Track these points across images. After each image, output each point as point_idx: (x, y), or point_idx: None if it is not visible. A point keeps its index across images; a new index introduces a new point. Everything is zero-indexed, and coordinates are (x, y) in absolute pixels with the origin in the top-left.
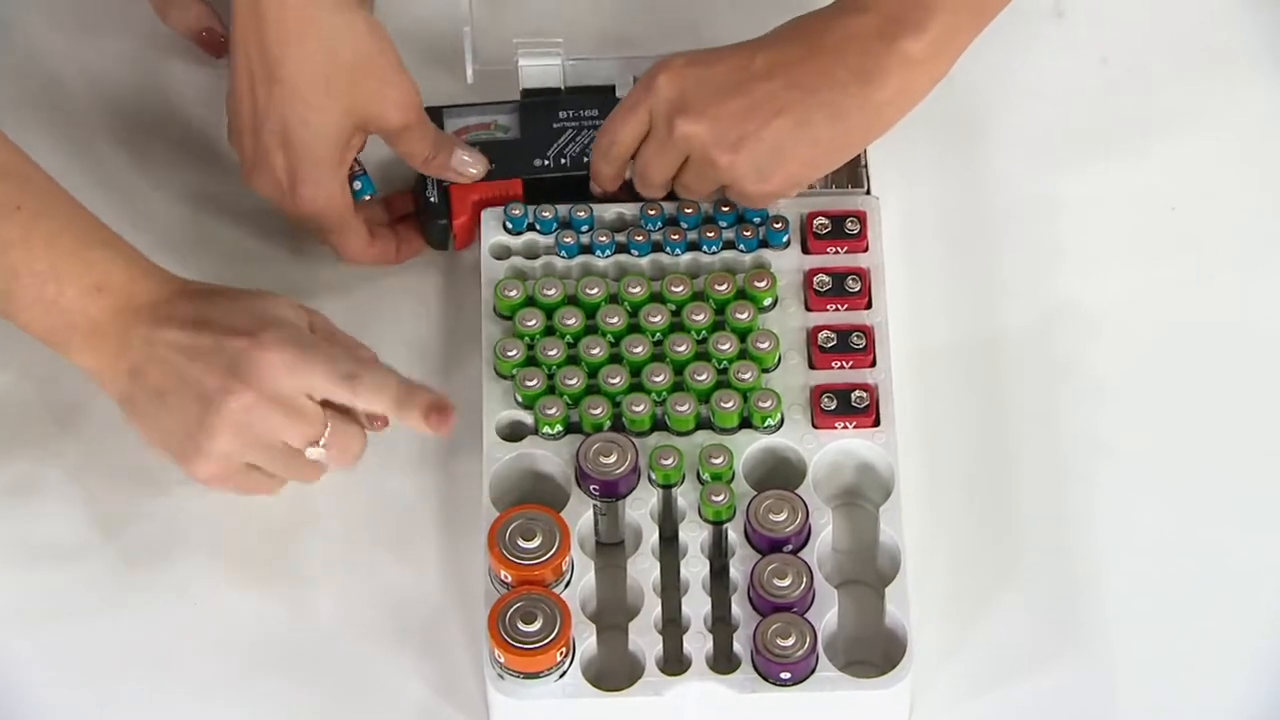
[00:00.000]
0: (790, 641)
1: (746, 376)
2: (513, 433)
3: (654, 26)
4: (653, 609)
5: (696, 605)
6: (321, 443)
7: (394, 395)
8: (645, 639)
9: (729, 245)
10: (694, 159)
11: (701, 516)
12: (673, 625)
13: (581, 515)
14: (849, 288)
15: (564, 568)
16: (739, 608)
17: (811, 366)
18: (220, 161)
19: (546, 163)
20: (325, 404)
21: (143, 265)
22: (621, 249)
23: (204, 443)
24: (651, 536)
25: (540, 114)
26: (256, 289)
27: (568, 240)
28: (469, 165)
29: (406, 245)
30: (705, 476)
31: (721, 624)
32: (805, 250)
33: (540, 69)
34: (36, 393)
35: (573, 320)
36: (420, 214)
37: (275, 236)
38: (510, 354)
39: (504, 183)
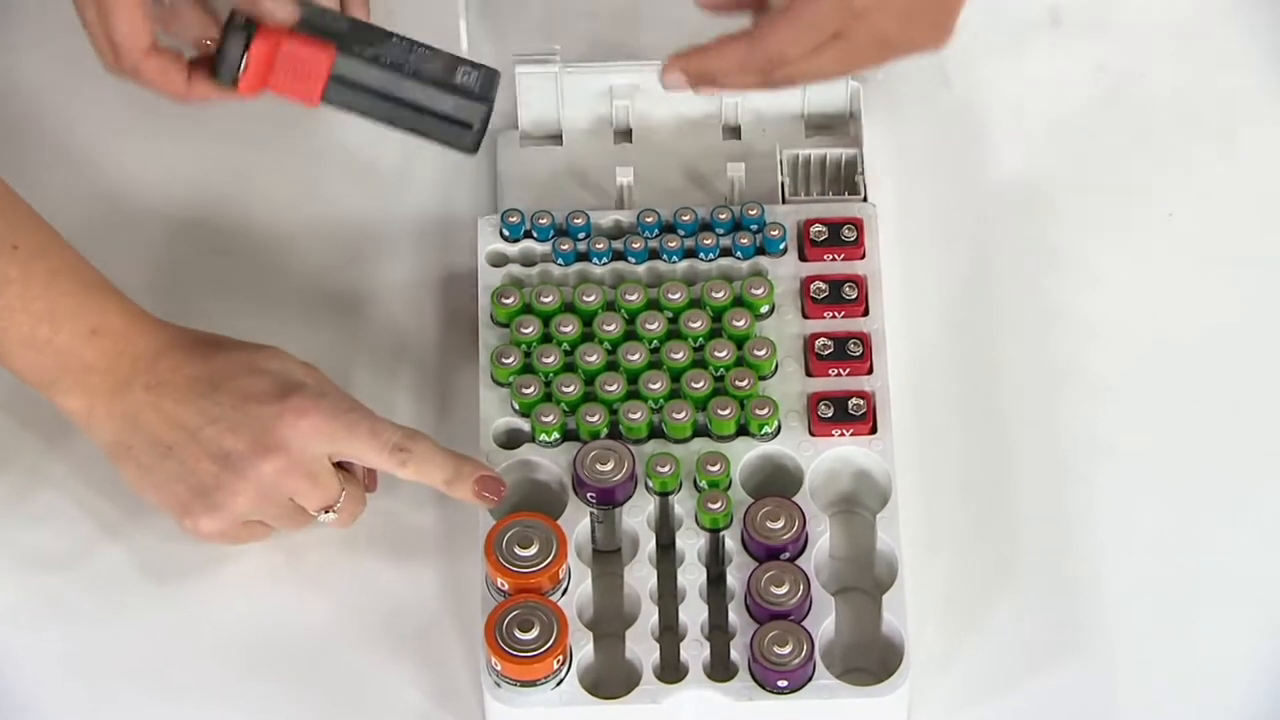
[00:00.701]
0: (787, 649)
1: (744, 384)
2: (509, 440)
3: (650, 36)
4: (650, 617)
5: (694, 613)
6: (336, 507)
7: (445, 472)
8: (642, 647)
9: (726, 252)
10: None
11: (698, 524)
12: (670, 633)
13: (578, 523)
14: (846, 295)
15: (561, 575)
16: (736, 615)
17: (808, 374)
18: (242, 152)
19: (367, 52)
20: (337, 465)
21: (138, 313)
22: (618, 256)
23: (223, 501)
24: (648, 544)
25: (376, 30)
26: (255, 343)
27: (564, 247)
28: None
29: (198, 80)
30: (702, 484)
31: (719, 632)
32: (802, 257)
33: (537, 77)
34: (36, 396)
35: (570, 328)
36: (219, 44)
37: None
38: (507, 361)
39: (315, 41)
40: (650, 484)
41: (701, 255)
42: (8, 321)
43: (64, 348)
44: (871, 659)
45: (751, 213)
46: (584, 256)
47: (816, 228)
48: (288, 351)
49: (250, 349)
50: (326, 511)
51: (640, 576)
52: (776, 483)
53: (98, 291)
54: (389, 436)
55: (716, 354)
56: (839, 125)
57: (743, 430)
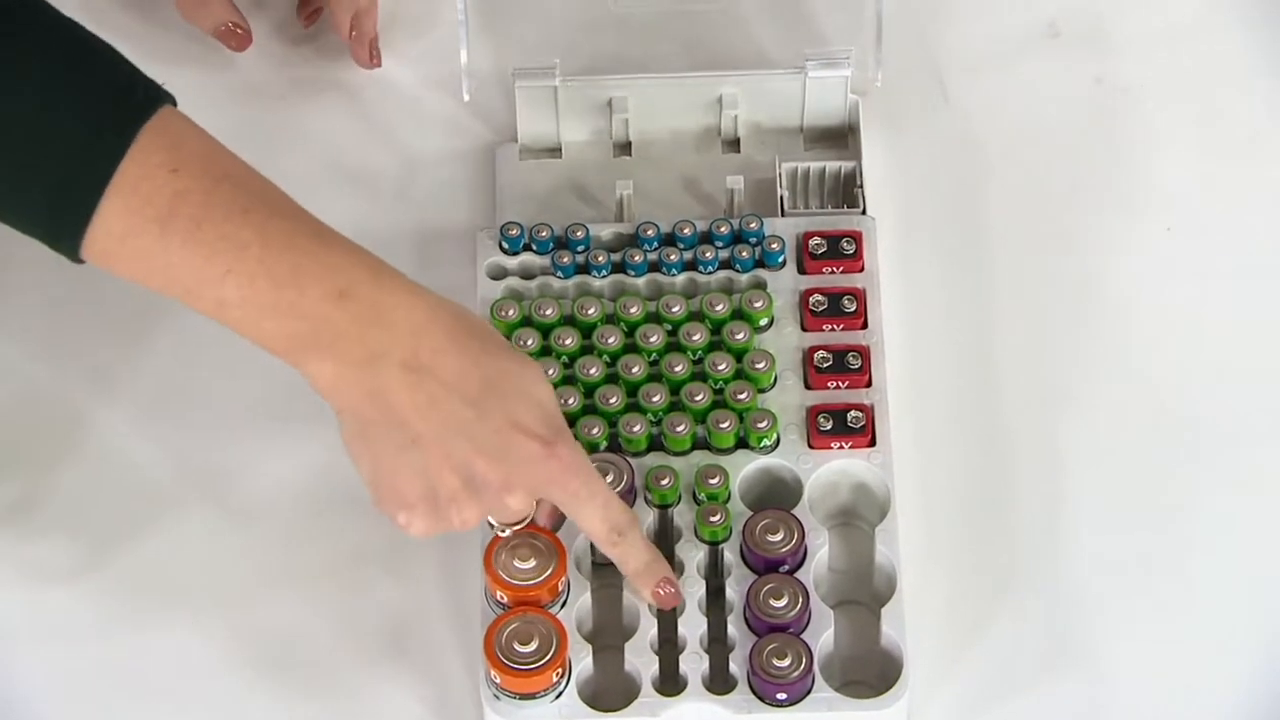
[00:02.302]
0: (786, 662)
1: (743, 397)
2: None
3: (649, 49)
4: (649, 629)
5: (693, 626)
6: (515, 528)
7: (639, 565)
8: (641, 659)
9: (726, 265)
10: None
11: (698, 537)
12: (669, 646)
13: (578, 535)
14: (845, 308)
15: (560, 588)
16: (735, 628)
17: (807, 387)
18: None
19: None
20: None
21: (388, 273)
22: (618, 269)
23: (450, 516)
24: None
25: None
26: (519, 355)
27: (564, 260)
28: None
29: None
30: (702, 497)
31: (718, 644)
32: (801, 270)
33: (536, 90)
34: (38, 410)
35: (569, 340)
36: None
37: None
38: None
39: None
40: (650, 496)
41: (701, 268)
42: (250, 289)
43: (311, 311)
44: (870, 672)
45: (751, 225)
46: (584, 269)
47: (815, 240)
48: (541, 367)
49: (518, 363)
50: (508, 526)
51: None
52: (775, 495)
53: (342, 252)
54: (615, 516)
55: (716, 367)
56: (838, 138)
57: (742, 443)
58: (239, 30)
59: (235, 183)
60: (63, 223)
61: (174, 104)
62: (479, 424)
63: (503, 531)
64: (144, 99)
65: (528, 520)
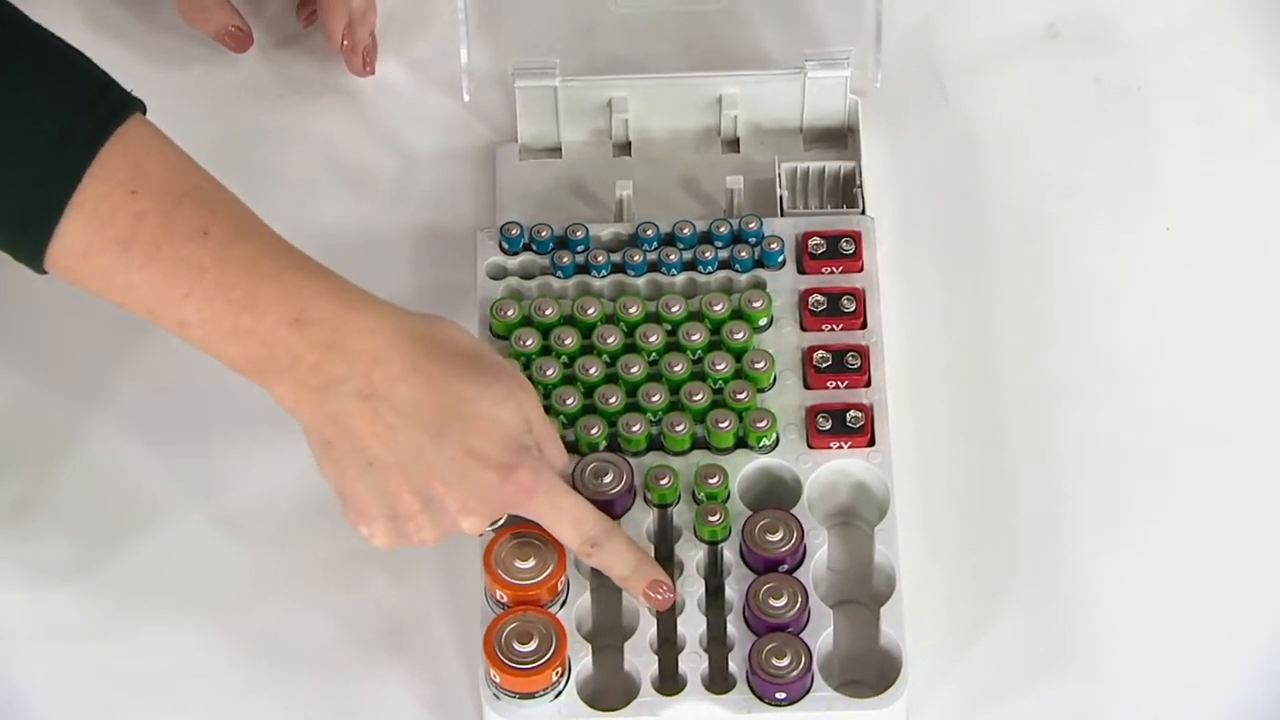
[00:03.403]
0: (786, 661)
1: (742, 396)
2: None
3: (649, 49)
4: (648, 629)
5: (692, 625)
6: (491, 529)
7: (625, 569)
8: (641, 659)
9: (725, 265)
10: None
11: (697, 536)
12: (668, 645)
13: None
14: (844, 308)
15: (560, 587)
16: (734, 628)
17: (807, 386)
18: (240, 163)
19: None
20: None
21: (349, 296)
22: (618, 269)
23: (409, 534)
24: None
25: None
26: (486, 371)
27: (564, 260)
28: None
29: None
30: (701, 496)
31: (717, 644)
32: (800, 270)
33: (536, 90)
34: (37, 412)
35: (569, 340)
36: None
37: None
38: None
39: None
40: (649, 496)
41: (700, 268)
42: (208, 312)
43: (268, 337)
44: (869, 671)
45: (750, 225)
46: (583, 269)
47: (815, 240)
48: (515, 380)
49: (480, 384)
50: (480, 534)
51: None
52: (775, 495)
53: (301, 275)
54: (587, 529)
55: (715, 366)
56: (837, 138)
57: (741, 443)
58: (240, 32)
59: (198, 202)
60: (25, 237)
61: (144, 111)
62: (436, 451)
63: (480, 535)
64: (110, 110)
65: (502, 523)
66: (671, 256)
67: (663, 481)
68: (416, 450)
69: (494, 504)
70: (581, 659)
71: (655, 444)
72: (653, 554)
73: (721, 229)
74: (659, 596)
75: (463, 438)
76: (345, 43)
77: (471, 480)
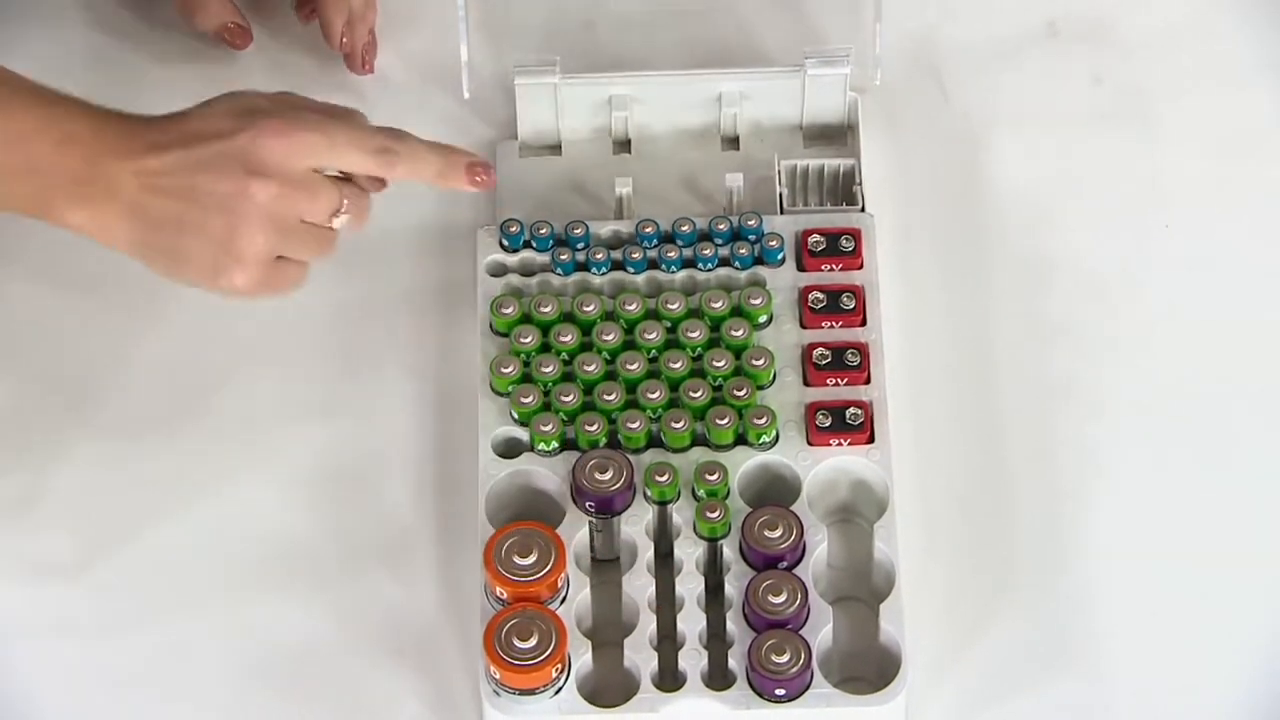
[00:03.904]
0: (785, 658)
1: (742, 393)
2: (508, 449)
3: (649, 46)
4: (648, 625)
5: (692, 622)
6: (343, 210)
7: (435, 165)
8: (640, 655)
9: (725, 262)
10: None
11: (697, 533)
12: (668, 642)
13: (577, 532)
14: (844, 305)
15: (560, 584)
16: (734, 624)
17: (806, 383)
18: None
19: None
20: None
21: (104, 111)
22: (617, 266)
23: (242, 248)
24: (647, 553)
25: None
26: (220, 95)
27: (564, 257)
28: None
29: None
30: (700, 493)
31: (716, 640)
32: (800, 267)
33: (536, 88)
34: (37, 404)
35: (569, 337)
36: None
37: None
38: (506, 371)
39: None
40: (649, 493)
41: (700, 265)
42: None
43: (43, 164)
44: (869, 668)
45: (750, 223)
46: (583, 266)
47: (814, 238)
48: (253, 90)
49: (216, 99)
50: (336, 216)
51: (639, 585)
52: (774, 492)
53: (59, 103)
54: (371, 139)
55: (715, 364)
56: (837, 136)
57: (741, 440)
58: (239, 29)
59: None
60: None
61: None
62: (198, 162)
63: (331, 221)
64: None
65: (351, 206)
66: (671, 254)
67: (662, 478)
68: (186, 175)
69: (260, 161)
70: (581, 655)
71: (655, 441)
72: (652, 551)
73: (721, 226)
74: (482, 178)
75: (209, 130)
76: (344, 40)
77: (230, 156)
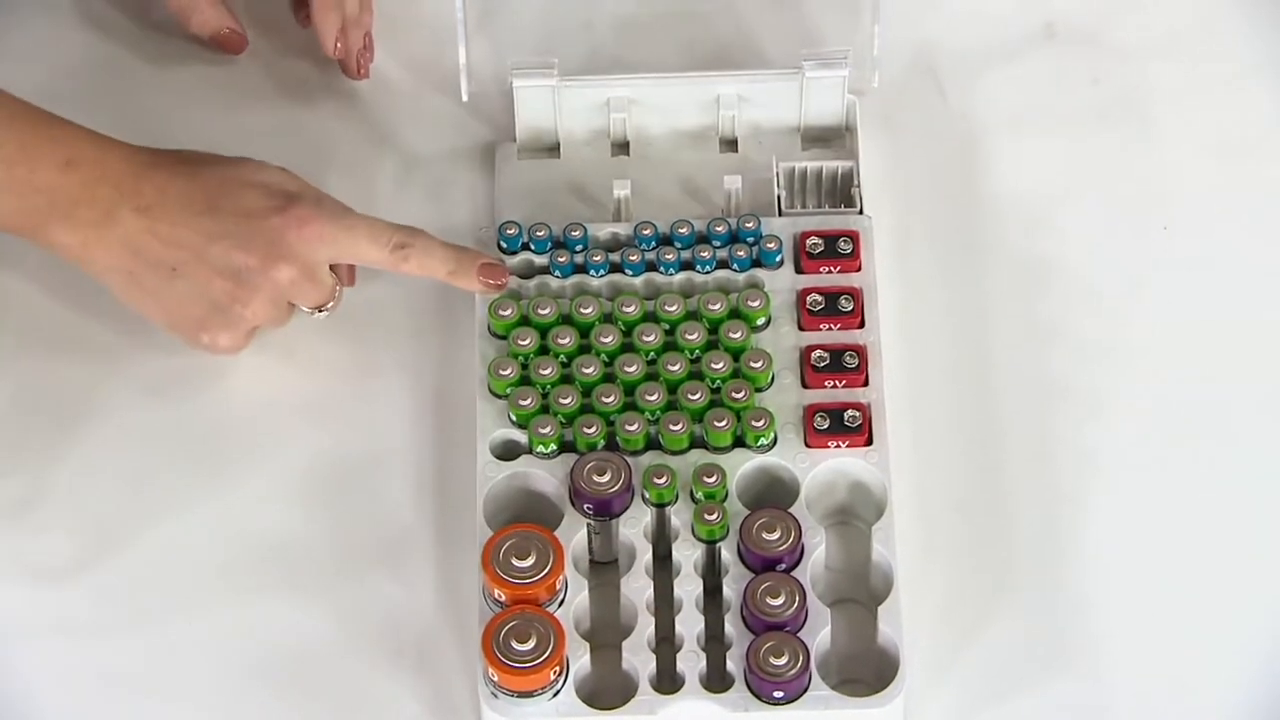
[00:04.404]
0: (783, 660)
1: (740, 396)
2: (507, 452)
3: (647, 48)
4: (646, 628)
5: (690, 624)
6: (329, 306)
7: (448, 264)
8: (639, 658)
9: (723, 265)
10: None
11: (695, 535)
12: (666, 644)
13: (575, 534)
14: (842, 307)
15: (558, 586)
16: (732, 626)
17: (804, 386)
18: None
19: None
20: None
21: (109, 139)
22: (615, 268)
23: (241, 316)
24: (645, 555)
25: None
26: (233, 157)
27: (562, 260)
28: None
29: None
30: (698, 495)
31: (715, 643)
32: (798, 270)
33: (535, 90)
34: (36, 407)
35: (567, 339)
36: None
37: None
38: (504, 373)
39: None
40: (647, 495)
41: (698, 267)
42: None
43: (43, 184)
44: (867, 670)
45: (748, 225)
46: (581, 269)
47: (813, 240)
48: (266, 163)
49: (232, 163)
50: (320, 310)
51: (637, 588)
52: (772, 494)
53: (64, 126)
54: (389, 236)
55: (713, 366)
56: (835, 138)
57: (739, 442)
58: (234, 34)
59: None
60: None
61: None
62: (218, 226)
63: (313, 313)
64: None
65: (336, 300)
66: (669, 256)
67: (660, 480)
68: (204, 234)
69: (290, 243)
70: (580, 658)
71: (653, 443)
72: (650, 553)
73: (719, 228)
74: (496, 282)
75: (236, 203)
76: (339, 46)
77: (260, 234)
